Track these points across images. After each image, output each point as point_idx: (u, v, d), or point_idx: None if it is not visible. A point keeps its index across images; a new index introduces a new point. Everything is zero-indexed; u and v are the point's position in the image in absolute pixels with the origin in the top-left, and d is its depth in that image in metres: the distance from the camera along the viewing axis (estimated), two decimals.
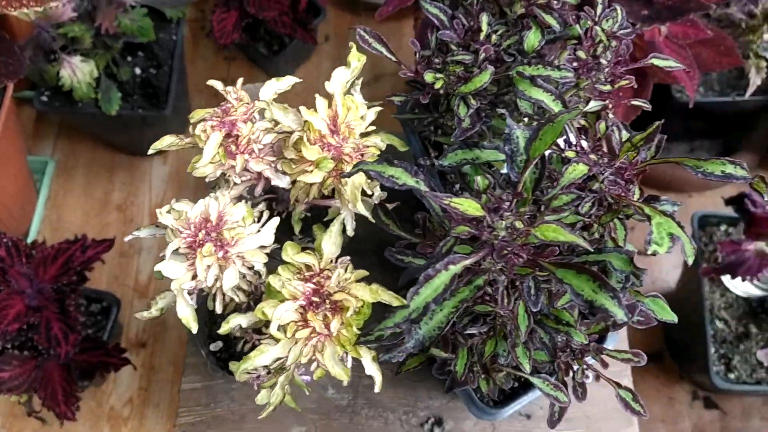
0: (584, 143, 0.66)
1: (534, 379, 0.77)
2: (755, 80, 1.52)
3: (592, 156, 0.64)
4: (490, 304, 0.71)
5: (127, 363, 1.43)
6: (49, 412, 1.40)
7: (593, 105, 0.69)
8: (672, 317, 0.72)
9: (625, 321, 0.54)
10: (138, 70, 1.73)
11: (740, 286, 1.52)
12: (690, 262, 0.60)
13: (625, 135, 0.66)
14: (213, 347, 0.94)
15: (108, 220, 1.89)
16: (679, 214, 1.98)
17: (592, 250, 0.55)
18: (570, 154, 0.64)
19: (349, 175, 0.64)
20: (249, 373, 0.84)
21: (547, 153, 0.70)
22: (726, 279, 1.53)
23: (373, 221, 0.83)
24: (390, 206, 0.88)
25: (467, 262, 0.59)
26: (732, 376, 1.49)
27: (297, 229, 0.92)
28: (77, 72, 1.53)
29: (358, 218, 0.88)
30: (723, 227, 1.57)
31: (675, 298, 1.77)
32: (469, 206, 0.60)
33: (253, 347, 0.77)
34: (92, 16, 1.55)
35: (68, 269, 1.37)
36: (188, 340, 1.11)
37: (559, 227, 0.58)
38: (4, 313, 1.26)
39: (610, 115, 0.73)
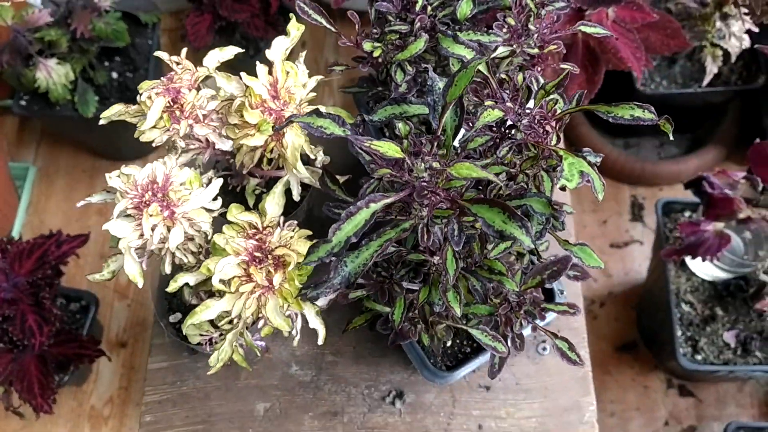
0: (505, 94, 0.69)
1: (473, 330, 0.80)
2: (711, 68, 1.57)
3: (509, 104, 0.67)
4: (424, 254, 0.75)
5: (102, 354, 1.46)
6: (26, 404, 1.42)
7: (501, 51, 0.73)
8: (598, 263, 0.75)
9: (531, 247, 0.58)
10: (115, 74, 1.77)
11: (705, 269, 1.55)
12: (600, 198, 0.64)
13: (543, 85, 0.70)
14: (172, 319, 0.97)
15: (89, 224, 1.93)
16: (647, 204, 1.99)
17: (500, 183, 0.59)
18: (489, 103, 0.68)
19: (281, 128, 0.68)
20: (202, 335, 0.88)
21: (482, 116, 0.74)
22: (691, 263, 1.56)
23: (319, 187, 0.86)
24: (341, 179, 0.92)
25: (388, 200, 0.62)
26: (699, 357, 1.52)
27: (251, 202, 0.96)
28: (53, 74, 1.57)
29: (326, 197, 0.91)
30: (687, 213, 1.60)
31: (645, 287, 1.80)
32: (389, 149, 0.63)
33: None
34: (68, 21, 1.60)
35: (43, 263, 1.40)
36: (154, 322, 1.14)
37: (472, 165, 0.61)
38: None
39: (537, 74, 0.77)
